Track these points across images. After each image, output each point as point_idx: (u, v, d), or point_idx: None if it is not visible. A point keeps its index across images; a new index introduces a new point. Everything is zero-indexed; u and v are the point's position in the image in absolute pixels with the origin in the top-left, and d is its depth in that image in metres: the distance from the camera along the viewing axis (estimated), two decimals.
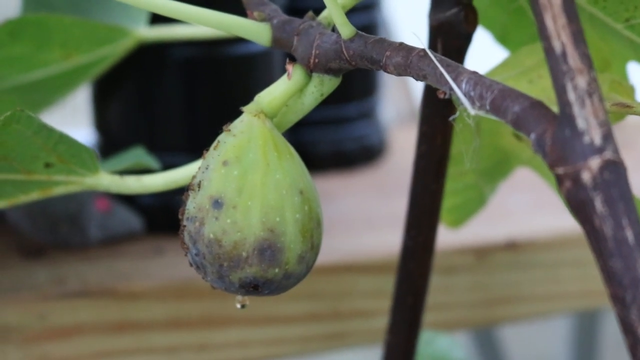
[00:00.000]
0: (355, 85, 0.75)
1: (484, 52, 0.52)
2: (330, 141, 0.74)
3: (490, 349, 1.01)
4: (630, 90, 0.44)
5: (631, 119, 0.85)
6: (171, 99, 0.64)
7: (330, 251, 0.63)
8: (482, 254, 0.64)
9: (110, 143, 0.65)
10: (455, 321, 0.64)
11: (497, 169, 0.50)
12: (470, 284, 0.64)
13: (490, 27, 0.49)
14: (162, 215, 0.64)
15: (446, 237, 0.60)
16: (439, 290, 0.63)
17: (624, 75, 0.49)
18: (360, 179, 0.73)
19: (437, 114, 0.45)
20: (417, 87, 0.86)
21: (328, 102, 0.73)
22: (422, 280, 0.48)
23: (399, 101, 0.86)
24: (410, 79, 0.85)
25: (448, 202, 0.51)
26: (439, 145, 0.45)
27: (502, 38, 0.49)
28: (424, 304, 0.48)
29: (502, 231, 0.65)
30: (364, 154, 0.75)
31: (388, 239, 0.62)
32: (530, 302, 0.65)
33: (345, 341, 0.63)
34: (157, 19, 0.60)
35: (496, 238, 0.64)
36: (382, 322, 0.57)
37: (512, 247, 0.64)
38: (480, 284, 0.64)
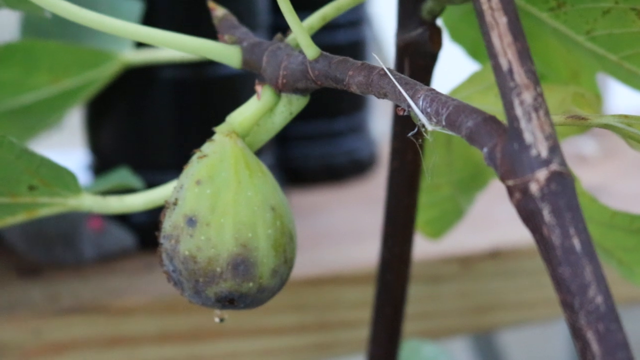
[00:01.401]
0: (344, 99, 0.76)
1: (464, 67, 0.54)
2: (320, 155, 0.75)
3: (490, 355, 1.02)
4: (595, 101, 0.46)
5: None
6: (160, 119, 0.66)
7: (319, 263, 0.64)
8: (467, 262, 0.65)
9: (103, 163, 0.67)
10: (442, 329, 0.65)
11: (471, 181, 0.51)
12: (455, 293, 0.65)
13: (461, 41, 0.50)
14: (154, 232, 0.66)
15: (431, 246, 0.61)
16: (425, 299, 0.64)
17: (593, 86, 0.50)
18: (350, 192, 0.74)
19: (406, 130, 0.46)
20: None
21: (318, 116, 0.75)
22: (400, 291, 0.49)
23: (388, 115, 0.87)
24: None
25: (425, 214, 0.52)
26: (410, 160, 0.47)
27: (473, 52, 0.50)
28: (403, 314, 0.50)
29: (486, 240, 0.66)
30: (354, 167, 0.76)
31: (374, 250, 0.63)
32: (515, 309, 0.66)
33: (333, 351, 0.64)
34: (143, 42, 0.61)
35: (480, 247, 0.65)
36: (368, 332, 0.58)
37: (496, 255, 0.65)
38: (465, 292, 0.65)
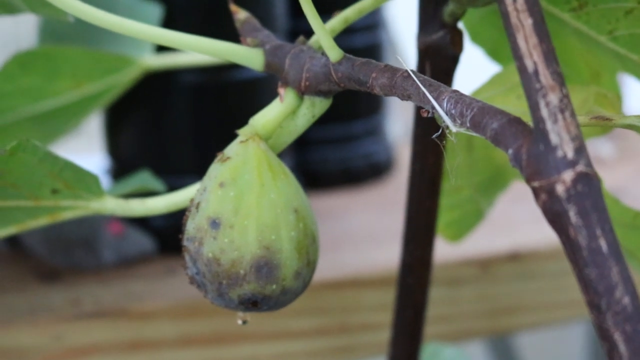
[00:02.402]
0: (362, 103, 0.76)
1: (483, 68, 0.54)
2: (338, 159, 0.75)
3: (506, 358, 1.02)
4: (616, 101, 0.45)
5: None
6: (179, 123, 0.66)
7: (338, 266, 0.64)
8: (487, 265, 0.65)
9: (122, 168, 0.67)
10: (461, 332, 0.65)
11: (492, 183, 0.51)
12: (475, 295, 0.65)
13: (481, 43, 0.50)
14: (174, 236, 0.66)
15: (451, 249, 0.61)
16: (445, 302, 0.64)
17: (614, 86, 0.50)
18: (367, 196, 0.75)
19: (428, 133, 0.46)
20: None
21: (335, 120, 0.75)
22: (421, 294, 0.49)
23: (406, 117, 0.87)
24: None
25: (446, 217, 0.52)
26: (431, 163, 0.47)
27: (493, 53, 0.50)
28: (424, 317, 0.49)
29: (505, 242, 0.66)
30: (372, 171, 0.76)
31: (394, 253, 0.63)
32: (534, 311, 0.66)
33: (353, 354, 0.64)
34: (163, 47, 0.62)
35: (500, 249, 0.65)
36: (388, 335, 0.58)
37: (515, 258, 0.65)
38: (485, 294, 0.65)
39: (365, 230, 0.70)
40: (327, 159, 0.75)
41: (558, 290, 0.66)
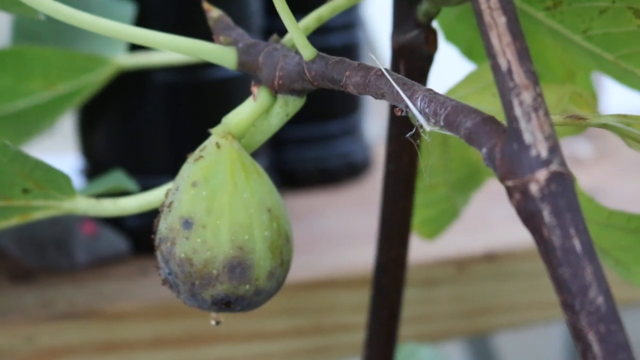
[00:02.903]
0: (339, 102, 0.76)
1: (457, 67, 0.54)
2: (315, 159, 0.75)
3: (485, 358, 1.01)
4: (591, 100, 0.45)
5: None
6: (153, 123, 0.65)
7: (314, 267, 0.64)
8: (462, 265, 0.65)
9: (96, 167, 0.66)
10: (437, 332, 0.65)
11: (468, 181, 0.51)
12: (451, 295, 0.65)
13: (455, 42, 0.50)
14: (148, 236, 0.65)
15: (426, 250, 0.61)
16: (421, 302, 0.64)
17: (589, 85, 0.50)
18: (344, 196, 0.74)
19: (403, 132, 0.46)
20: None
21: (313, 119, 0.75)
22: (396, 294, 0.49)
23: (383, 117, 0.87)
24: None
25: (421, 214, 0.52)
26: (406, 163, 0.46)
27: (468, 52, 0.50)
28: (399, 317, 0.49)
29: (481, 243, 0.66)
30: (349, 171, 0.76)
31: (370, 254, 0.63)
32: (511, 311, 0.66)
33: (329, 355, 0.64)
34: (136, 45, 0.61)
35: (476, 250, 0.65)
36: (364, 335, 0.58)
37: (491, 258, 0.65)
38: (461, 295, 0.65)
39: (342, 230, 0.69)
40: (304, 159, 0.75)
41: (534, 290, 0.66)
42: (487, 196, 0.62)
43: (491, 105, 0.45)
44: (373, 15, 0.92)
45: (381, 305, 0.49)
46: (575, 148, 0.81)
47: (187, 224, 0.39)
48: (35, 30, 0.61)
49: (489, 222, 0.69)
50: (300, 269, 0.60)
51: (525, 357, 1.17)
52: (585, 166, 0.78)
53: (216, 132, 0.41)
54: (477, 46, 0.50)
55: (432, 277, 0.64)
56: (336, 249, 0.67)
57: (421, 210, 0.52)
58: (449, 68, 0.56)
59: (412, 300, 0.62)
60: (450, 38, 0.50)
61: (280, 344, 0.63)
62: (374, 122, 0.85)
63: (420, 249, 0.57)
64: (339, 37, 0.74)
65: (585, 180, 0.75)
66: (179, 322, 0.61)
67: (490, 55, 0.34)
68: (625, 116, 0.38)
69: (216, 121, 0.42)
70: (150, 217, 0.65)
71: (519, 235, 0.67)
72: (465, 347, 1.04)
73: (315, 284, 0.63)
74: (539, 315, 0.67)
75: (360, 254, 0.65)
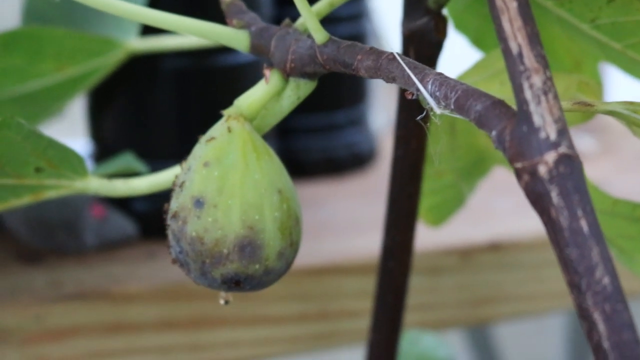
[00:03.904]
0: (345, 92, 0.76)
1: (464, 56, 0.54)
2: (320, 148, 0.75)
3: (484, 349, 1.02)
4: (598, 89, 0.46)
5: (616, 124, 0.87)
6: (163, 108, 0.66)
7: (319, 253, 0.64)
8: (467, 254, 0.65)
9: (106, 152, 0.67)
10: (441, 321, 0.65)
11: (474, 168, 0.52)
12: (455, 284, 0.65)
13: (464, 30, 0.51)
14: (155, 220, 0.66)
15: (431, 238, 0.62)
16: (425, 290, 0.64)
17: (595, 75, 0.51)
18: (349, 185, 0.75)
19: (411, 118, 0.47)
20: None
21: (319, 109, 0.76)
22: (402, 279, 0.50)
23: (389, 108, 0.88)
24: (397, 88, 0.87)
25: (427, 201, 0.53)
26: (414, 148, 0.47)
27: (477, 41, 0.51)
28: (404, 302, 0.50)
29: (485, 232, 0.66)
30: (354, 160, 0.76)
31: (375, 241, 0.63)
32: (514, 301, 0.66)
33: (333, 341, 0.64)
34: (148, 30, 0.62)
35: (480, 239, 0.66)
36: (368, 322, 0.58)
37: (495, 248, 0.66)
38: (465, 284, 0.65)
39: (347, 218, 0.70)
40: (310, 148, 0.75)
41: (537, 280, 0.67)
42: (492, 186, 0.62)
43: (499, 93, 0.45)
44: (380, 5, 0.93)
45: (387, 289, 0.50)
46: (578, 142, 0.81)
47: (199, 203, 0.40)
48: (46, 13, 0.62)
49: (493, 212, 0.70)
50: (306, 255, 0.60)
51: (524, 348, 1.17)
52: (588, 160, 0.79)
53: (228, 113, 0.42)
54: (486, 35, 0.51)
55: (437, 266, 0.65)
56: (342, 236, 0.67)
57: (427, 197, 0.52)
58: (456, 56, 0.57)
59: (416, 288, 0.63)
60: (459, 26, 0.51)
61: (286, 329, 0.63)
62: (380, 113, 0.85)
63: (425, 238, 0.58)
64: (347, 27, 0.74)
65: (589, 173, 0.75)
66: (186, 305, 0.62)
67: (502, 39, 0.34)
68: (632, 103, 0.39)
69: (225, 107, 0.42)
70: (158, 201, 0.65)
71: (524, 226, 0.67)
72: (465, 336, 1.05)
73: (320, 270, 0.64)
74: (543, 305, 0.68)
75: (365, 241, 0.66)
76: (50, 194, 0.46)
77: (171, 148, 0.66)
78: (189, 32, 0.42)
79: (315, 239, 0.66)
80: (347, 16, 0.74)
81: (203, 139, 0.41)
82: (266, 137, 0.43)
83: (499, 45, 0.50)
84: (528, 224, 0.67)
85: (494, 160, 0.51)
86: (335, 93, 0.75)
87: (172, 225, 0.41)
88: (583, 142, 0.81)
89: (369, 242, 0.66)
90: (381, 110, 0.86)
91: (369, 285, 0.63)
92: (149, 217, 0.66)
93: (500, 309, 0.66)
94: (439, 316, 0.65)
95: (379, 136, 0.80)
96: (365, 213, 0.71)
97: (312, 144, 0.75)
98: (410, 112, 0.47)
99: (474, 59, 0.48)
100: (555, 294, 0.67)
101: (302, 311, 0.63)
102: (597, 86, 0.46)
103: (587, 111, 0.39)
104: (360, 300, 0.64)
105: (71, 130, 0.80)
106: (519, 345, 1.17)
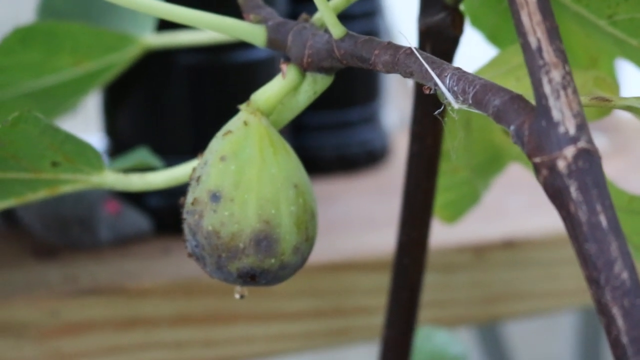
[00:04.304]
0: (358, 90, 0.76)
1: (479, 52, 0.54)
2: (334, 146, 0.76)
3: (494, 347, 1.02)
4: (615, 86, 0.46)
5: (629, 123, 0.87)
6: (178, 104, 0.66)
7: (333, 250, 0.65)
8: (481, 252, 0.65)
9: (120, 147, 0.67)
10: (454, 318, 0.65)
11: (489, 165, 0.52)
12: (468, 282, 0.65)
13: (480, 27, 0.51)
14: (170, 216, 0.66)
15: (445, 235, 0.62)
16: (438, 287, 0.64)
17: (611, 72, 0.50)
18: (363, 182, 0.75)
19: (427, 115, 0.47)
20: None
21: (332, 106, 0.76)
22: (416, 275, 0.50)
23: (402, 106, 0.88)
24: (412, 85, 0.87)
25: (442, 198, 0.53)
26: (429, 144, 0.47)
27: (493, 37, 0.51)
28: (419, 298, 0.50)
29: (499, 230, 0.66)
30: (367, 158, 0.76)
31: (389, 238, 0.63)
32: (527, 299, 0.66)
33: (348, 337, 0.64)
34: (163, 26, 0.62)
35: (494, 237, 0.66)
36: (382, 318, 0.58)
37: (509, 245, 0.66)
38: (478, 281, 0.65)
39: (361, 215, 0.70)
40: (323, 145, 0.75)
41: (551, 278, 0.67)
42: (506, 184, 0.62)
43: (515, 89, 0.45)
44: (393, 3, 0.93)
45: (402, 286, 0.50)
46: None
47: (215, 197, 0.40)
48: (61, 8, 0.62)
49: (507, 210, 0.70)
50: (319, 252, 0.60)
51: (534, 346, 1.17)
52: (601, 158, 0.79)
53: (245, 108, 0.42)
54: (502, 31, 0.51)
55: (450, 263, 0.65)
56: (355, 232, 0.67)
57: (442, 194, 0.52)
58: (467, 54, 0.57)
59: (430, 285, 0.63)
60: (475, 23, 0.51)
61: (300, 325, 0.63)
62: (393, 111, 0.85)
63: (438, 235, 0.58)
64: (360, 24, 0.74)
65: None
66: (200, 300, 0.62)
67: (521, 33, 0.34)
68: None
69: (238, 103, 0.42)
70: (172, 197, 0.66)
71: (538, 223, 0.67)
72: (475, 334, 1.05)
73: (334, 266, 0.64)
74: (556, 303, 0.68)
75: (378, 238, 0.66)
76: (66, 189, 0.46)
77: (185, 144, 0.66)
78: (206, 27, 0.43)
79: (329, 235, 0.66)
80: (360, 13, 0.74)
81: (220, 133, 0.41)
82: (280, 133, 0.43)
83: (514, 41, 0.50)
84: (542, 221, 0.67)
85: (509, 157, 0.51)
86: (348, 90, 0.76)
87: (188, 219, 0.41)
88: (596, 141, 0.81)
89: (382, 239, 0.66)
90: (394, 107, 0.86)
91: (382, 281, 0.63)
92: (164, 212, 0.67)
93: (514, 307, 0.66)
94: (452, 313, 0.65)
95: (391, 133, 0.80)
96: (378, 210, 0.71)
97: (326, 141, 0.75)
98: (426, 108, 0.47)
99: (484, 56, 0.48)
100: (568, 291, 0.67)
101: (316, 307, 0.63)
102: (613, 82, 0.46)
103: (605, 106, 0.39)
104: (374, 297, 0.64)
105: (85, 126, 0.80)
106: (529, 344, 1.17)
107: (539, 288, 0.67)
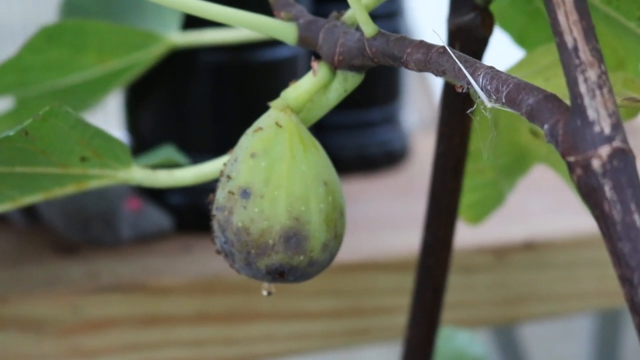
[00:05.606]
0: (378, 90, 0.76)
1: (503, 54, 0.54)
2: (354, 146, 0.76)
3: (511, 349, 1.02)
4: None
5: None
6: (201, 102, 0.66)
7: (354, 250, 0.65)
8: (501, 253, 0.65)
9: (143, 145, 0.67)
10: (475, 319, 0.65)
11: (514, 166, 0.52)
12: (489, 283, 0.65)
13: (508, 28, 0.51)
14: (191, 214, 0.66)
15: (466, 236, 0.62)
16: (459, 288, 0.64)
17: (638, 74, 0.50)
18: (383, 182, 0.75)
19: (455, 115, 0.47)
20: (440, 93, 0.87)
21: (352, 107, 0.76)
22: (441, 276, 0.50)
23: (421, 107, 0.88)
24: (433, 85, 0.87)
25: (467, 198, 0.53)
26: (457, 145, 0.47)
27: (520, 39, 0.51)
28: (442, 299, 0.50)
29: (520, 232, 0.67)
30: (387, 158, 0.77)
31: (409, 238, 0.63)
32: (548, 301, 0.66)
33: (367, 337, 0.64)
34: (188, 25, 0.62)
35: (515, 238, 0.66)
36: (402, 318, 0.58)
37: (530, 247, 0.66)
38: (499, 283, 0.65)
39: (381, 215, 0.70)
40: (344, 145, 0.75)
41: (571, 281, 0.67)
42: (527, 185, 0.62)
43: None
44: (415, 4, 0.93)
45: (426, 286, 0.50)
46: None
47: (245, 193, 0.40)
48: (85, 6, 0.62)
49: (528, 212, 0.70)
50: (340, 251, 0.61)
51: (550, 349, 1.17)
52: None
53: (275, 105, 0.42)
54: (530, 33, 0.51)
55: (471, 264, 0.65)
56: (375, 233, 0.67)
57: (467, 195, 0.52)
58: (494, 56, 0.57)
59: (450, 286, 0.63)
60: (503, 24, 0.51)
61: (320, 325, 0.63)
62: (413, 111, 0.85)
63: (460, 236, 0.58)
64: (383, 25, 0.74)
65: None
66: (220, 298, 0.62)
67: (557, 32, 0.34)
68: None
69: (262, 103, 0.42)
70: (193, 195, 0.66)
71: (559, 225, 0.67)
72: (491, 336, 1.05)
73: (355, 266, 0.64)
74: (576, 305, 0.67)
75: (398, 238, 0.66)
76: (94, 184, 0.46)
77: (208, 142, 0.66)
78: (236, 24, 0.43)
79: (349, 235, 0.66)
80: (383, 14, 0.74)
81: (250, 130, 0.41)
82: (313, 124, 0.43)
83: (542, 43, 0.50)
84: (562, 223, 0.67)
85: (535, 158, 0.51)
86: (368, 91, 0.76)
87: (217, 215, 0.41)
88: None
89: (402, 239, 0.66)
90: (414, 108, 0.86)
91: (401, 281, 0.63)
92: (184, 210, 0.67)
93: (534, 308, 0.66)
94: (472, 314, 0.65)
95: (411, 134, 0.80)
96: (398, 210, 0.71)
97: (346, 142, 0.75)
98: (453, 108, 0.47)
99: (507, 59, 0.48)
100: (588, 294, 0.67)
101: (336, 307, 0.63)
102: None
103: (637, 107, 0.39)
104: (393, 297, 0.64)
105: (104, 123, 0.80)
106: (545, 346, 1.17)
107: (559, 290, 0.67)
